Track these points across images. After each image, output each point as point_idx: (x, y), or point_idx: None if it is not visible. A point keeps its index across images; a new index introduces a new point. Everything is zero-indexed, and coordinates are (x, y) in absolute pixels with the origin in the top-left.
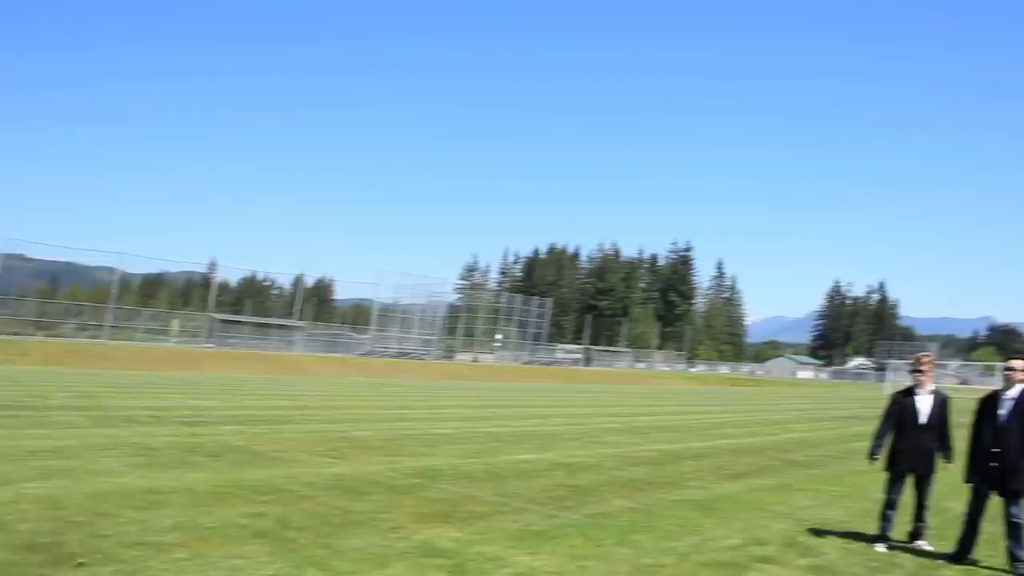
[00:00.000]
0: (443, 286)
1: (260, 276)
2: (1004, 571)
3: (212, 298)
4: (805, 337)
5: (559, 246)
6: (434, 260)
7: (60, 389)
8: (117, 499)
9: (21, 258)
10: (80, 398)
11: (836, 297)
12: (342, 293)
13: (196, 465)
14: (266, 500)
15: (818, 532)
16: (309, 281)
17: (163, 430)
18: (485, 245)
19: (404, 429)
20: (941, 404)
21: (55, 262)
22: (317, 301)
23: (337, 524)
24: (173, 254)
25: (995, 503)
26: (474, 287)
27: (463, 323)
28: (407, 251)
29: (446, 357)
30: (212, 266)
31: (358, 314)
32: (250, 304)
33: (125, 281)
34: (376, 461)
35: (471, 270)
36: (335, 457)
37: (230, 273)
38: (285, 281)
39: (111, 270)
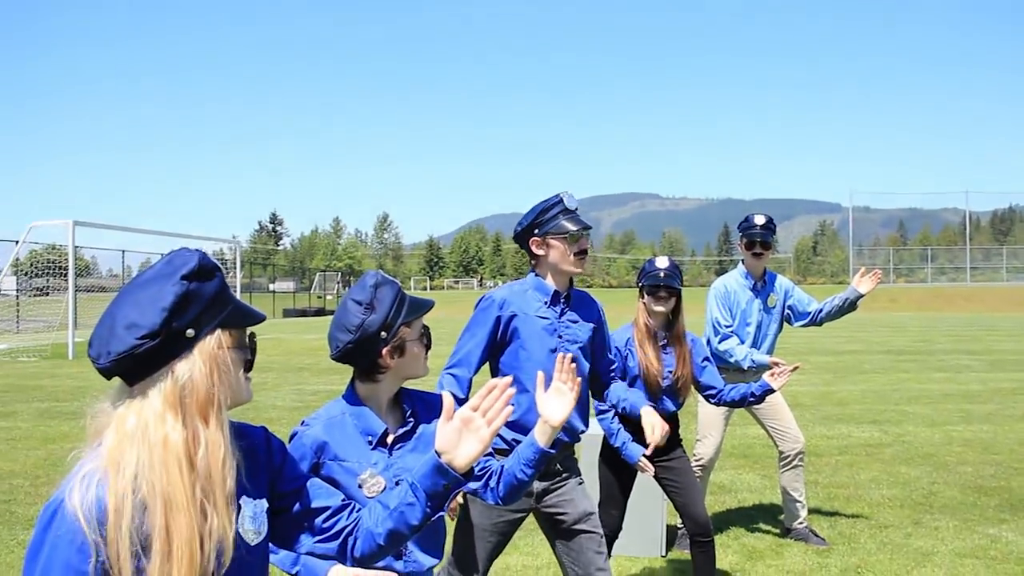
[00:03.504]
0: None
1: None
2: None
3: None
4: None
5: None
6: None
7: (942, 334)
8: None
9: (867, 210)
10: (966, 341)
11: None
12: None
13: None
14: None
15: None
16: None
17: None
18: None
19: None
20: None
21: (900, 209)
22: None
23: None
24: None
25: None
26: None
27: None
28: None
29: None
30: None
31: None
32: None
33: (975, 220)
34: None
35: None
36: None
37: None
38: None
39: (956, 210)
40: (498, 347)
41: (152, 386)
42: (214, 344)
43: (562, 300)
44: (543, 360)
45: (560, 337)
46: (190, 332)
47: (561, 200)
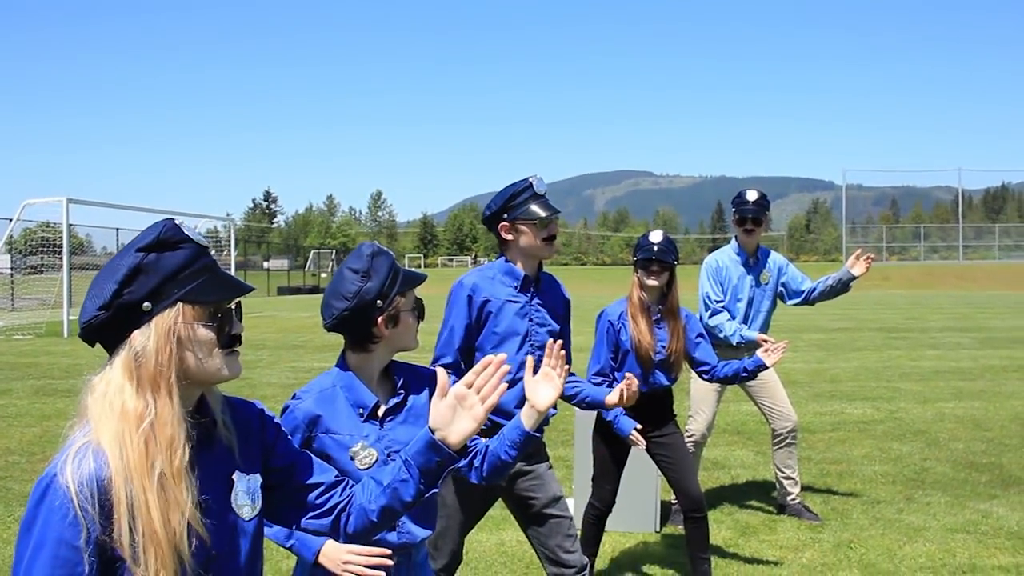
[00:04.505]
0: None
1: None
2: None
3: None
4: None
5: None
6: None
7: (934, 311)
8: None
9: (860, 187)
10: (958, 319)
11: None
12: None
13: None
14: None
15: None
16: None
17: None
18: None
19: None
20: None
21: (893, 187)
22: None
23: None
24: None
25: None
26: None
27: None
28: None
29: None
30: None
31: None
32: None
33: (967, 198)
34: None
35: None
36: None
37: None
38: None
39: (948, 188)
40: (472, 331)
41: (117, 356)
42: (173, 317)
43: (532, 284)
44: (515, 344)
45: (531, 321)
46: (146, 305)
47: (531, 185)
